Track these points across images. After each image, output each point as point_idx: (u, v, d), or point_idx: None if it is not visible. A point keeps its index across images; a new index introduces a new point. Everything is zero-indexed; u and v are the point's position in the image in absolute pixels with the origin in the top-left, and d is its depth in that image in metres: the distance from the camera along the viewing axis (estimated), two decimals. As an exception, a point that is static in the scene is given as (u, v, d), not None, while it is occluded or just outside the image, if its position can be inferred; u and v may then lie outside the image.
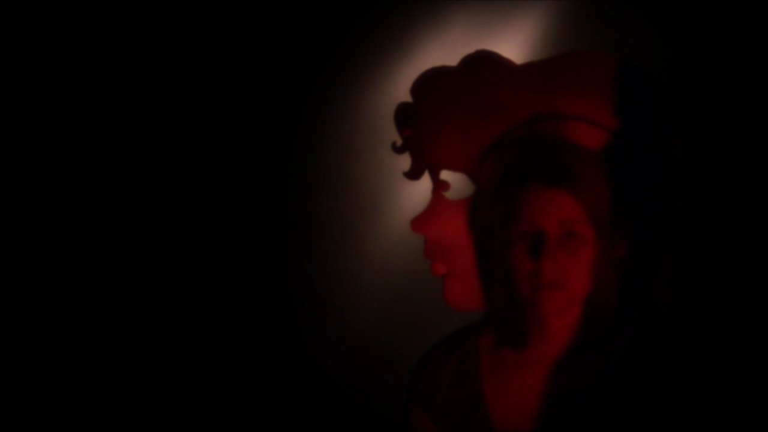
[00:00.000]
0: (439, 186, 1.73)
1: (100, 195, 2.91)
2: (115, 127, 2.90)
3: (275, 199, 2.97)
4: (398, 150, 1.74)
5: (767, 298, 2.47)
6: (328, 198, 2.96)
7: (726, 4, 2.55)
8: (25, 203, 2.86)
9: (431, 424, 1.72)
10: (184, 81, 2.89)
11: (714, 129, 2.54)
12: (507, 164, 1.63)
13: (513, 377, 1.66)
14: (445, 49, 2.76)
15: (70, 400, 2.87)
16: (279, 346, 2.98)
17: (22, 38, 2.83)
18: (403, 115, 1.73)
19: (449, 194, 1.73)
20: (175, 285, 2.94)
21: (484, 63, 1.68)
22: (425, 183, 1.74)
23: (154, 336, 2.92)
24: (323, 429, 2.94)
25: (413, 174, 1.75)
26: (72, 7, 2.83)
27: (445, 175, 1.73)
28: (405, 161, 1.75)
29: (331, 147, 2.95)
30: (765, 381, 1.72)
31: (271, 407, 2.96)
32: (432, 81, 1.71)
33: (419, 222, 1.75)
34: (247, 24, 2.89)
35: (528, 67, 1.68)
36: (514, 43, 2.75)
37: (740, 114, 2.55)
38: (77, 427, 2.86)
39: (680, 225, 1.64)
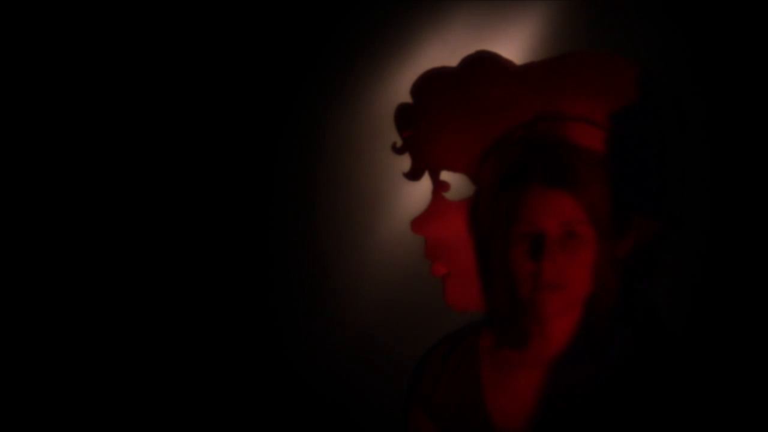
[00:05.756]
0: (439, 186, 1.74)
1: (101, 194, 2.91)
2: (116, 126, 2.90)
3: (276, 199, 2.97)
4: (398, 151, 1.74)
5: (767, 299, 2.47)
6: (329, 199, 2.96)
7: (726, 3, 2.55)
8: (25, 203, 2.86)
9: (431, 424, 1.72)
10: (185, 82, 2.90)
11: (714, 128, 2.54)
12: (507, 165, 1.63)
13: (513, 377, 1.66)
14: (445, 49, 2.76)
15: (70, 400, 2.87)
16: (279, 346, 2.98)
17: (22, 38, 2.83)
18: (403, 116, 1.73)
19: (449, 195, 1.73)
20: (175, 285, 2.94)
21: (484, 63, 1.69)
22: (425, 184, 1.74)
23: (155, 336, 2.92)
24: (323, 429, 2.94)
25: (413, 175, 1.75)
26: (72, 7, 2.83)
27: (446, 175, 1.73)
28: (405, 162, 1.75)
29: (331, 147, 2.95)
30: (765, 381, 1.73)
31: (272, 407, 2.96)
32: (432, 81, 1.71)
33: (419, 223, 1.75)
34: (248, 24, 2.89)
35: (528, 68, 1.68)
36: (514, 43, 2.75)
37: (740, 114, 2.55)
38: (77, 427, 2.86)
39: (680, 225, 1.64)
